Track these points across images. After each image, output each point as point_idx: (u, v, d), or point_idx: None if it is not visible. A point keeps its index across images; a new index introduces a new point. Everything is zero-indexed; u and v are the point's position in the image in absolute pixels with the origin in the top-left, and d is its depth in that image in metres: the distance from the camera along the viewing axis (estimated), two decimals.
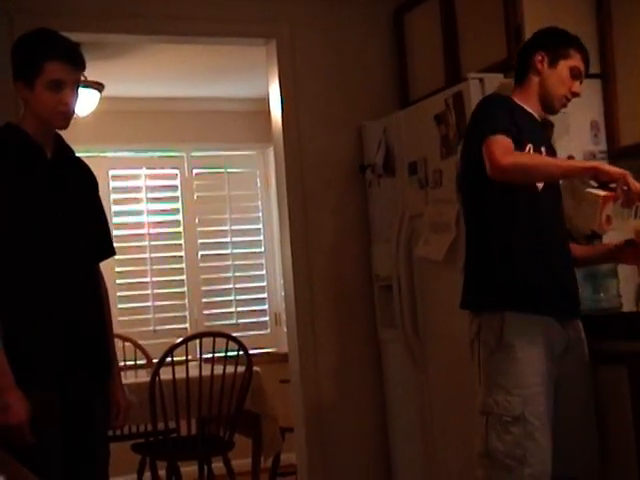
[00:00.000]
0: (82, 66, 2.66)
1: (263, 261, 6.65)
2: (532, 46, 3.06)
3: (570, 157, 3.50)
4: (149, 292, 6.27)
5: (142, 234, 6.30)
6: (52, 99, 2.58)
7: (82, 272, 2.67)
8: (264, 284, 6.64)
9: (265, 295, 6.65)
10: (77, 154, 2.80)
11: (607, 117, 3.67)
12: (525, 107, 3.00)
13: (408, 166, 4.00)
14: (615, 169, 2.78)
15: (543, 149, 2.97)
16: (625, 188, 2.73)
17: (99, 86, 4.94)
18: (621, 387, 3.06)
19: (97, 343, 2.70)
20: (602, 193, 2.87)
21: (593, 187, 2.93)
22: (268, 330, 6.63)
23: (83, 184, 2.77)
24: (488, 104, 3.01)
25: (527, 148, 2.89)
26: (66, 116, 2.62)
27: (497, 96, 3.16)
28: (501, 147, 2.75)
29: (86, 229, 2.72)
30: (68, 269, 2.62)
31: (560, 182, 3.03)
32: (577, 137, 3.63)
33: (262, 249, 6.65)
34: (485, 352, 2.88)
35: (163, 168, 6.45)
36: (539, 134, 3.01)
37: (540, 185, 2.90)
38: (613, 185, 2.79)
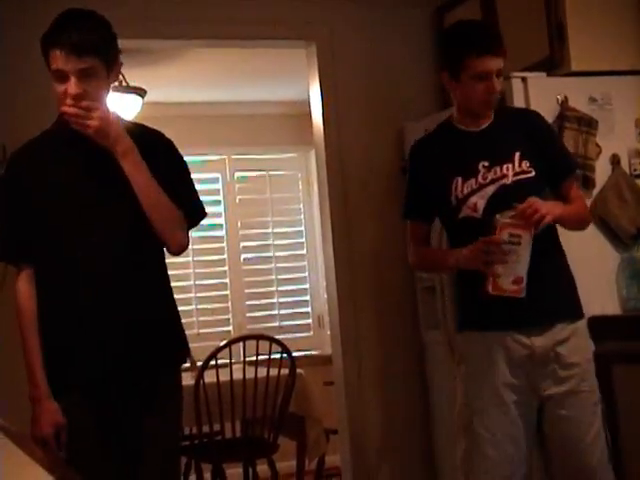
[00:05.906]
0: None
1: (305, 263, 6.66)
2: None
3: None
4: (192, 295, 6.30)
5: None
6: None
7: (132, 266, 2.46)
8: (307, 286, 6.65)
9: (308, 297, 6.66)
10: None
11: None
12: (456, 125, 2.85)
13: None
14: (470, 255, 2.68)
15: (483, 164, 2.74)
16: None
17: (141, 92, 4.97)
18: None
19: (157, 341, 2.47)
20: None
21: None
22: (311, 332, 6.64)
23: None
24: (407, 168, 3.08)
25: (454, 184, 2.76)
26: None
27: (415, 149, 3.03)
28: (409, 240, 3.03)
29: (139, 217, 2.42)
30: (111, 263, 2.41)
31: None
32: (622, 135, 3.59)
33: (304, 251, 6.66)
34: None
35: (205, 172, 6.48)
36: (471, 152, 2.79)
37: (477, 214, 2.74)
38: None
